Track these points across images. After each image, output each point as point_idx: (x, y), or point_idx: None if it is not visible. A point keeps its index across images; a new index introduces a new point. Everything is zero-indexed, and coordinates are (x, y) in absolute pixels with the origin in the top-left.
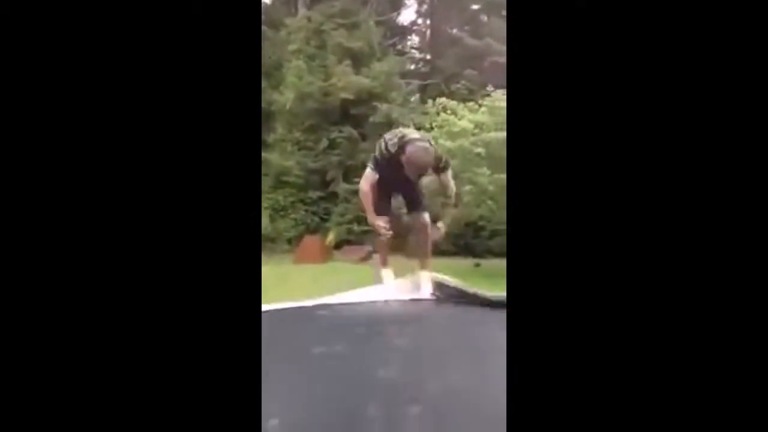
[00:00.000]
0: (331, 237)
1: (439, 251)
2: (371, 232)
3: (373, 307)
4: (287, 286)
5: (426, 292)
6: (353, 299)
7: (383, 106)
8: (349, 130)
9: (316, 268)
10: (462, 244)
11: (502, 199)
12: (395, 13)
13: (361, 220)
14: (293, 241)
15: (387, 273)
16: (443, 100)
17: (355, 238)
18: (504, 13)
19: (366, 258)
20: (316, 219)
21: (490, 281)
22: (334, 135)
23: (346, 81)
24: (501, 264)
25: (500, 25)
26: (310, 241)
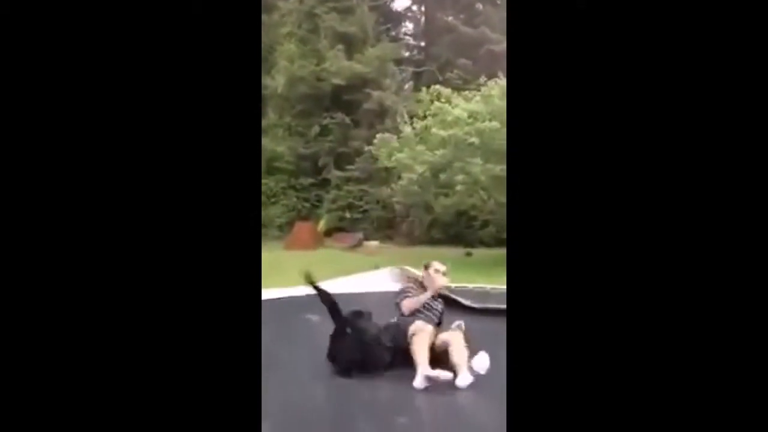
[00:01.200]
0: (322, 224)
1: (430, 240)
2: (363, 220)
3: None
4: (279, 273)
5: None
6: (345, 289)
7: (376, 93)
8: (341, 117)
9: (307, 255)
10: (453, 233)
11: (494, 189)
12: None
13: (353, 207)
14: (284, 228)
15: None
16: (438, 87)
17: (346, 225)
18: (499, 2)
19: (357, 245)
20: (308, 205)
21: (481, 271)
22: (326, 121)
23: (339, 66)
24: (491, 253)
25: (495, 14)
26: (302, 227)
